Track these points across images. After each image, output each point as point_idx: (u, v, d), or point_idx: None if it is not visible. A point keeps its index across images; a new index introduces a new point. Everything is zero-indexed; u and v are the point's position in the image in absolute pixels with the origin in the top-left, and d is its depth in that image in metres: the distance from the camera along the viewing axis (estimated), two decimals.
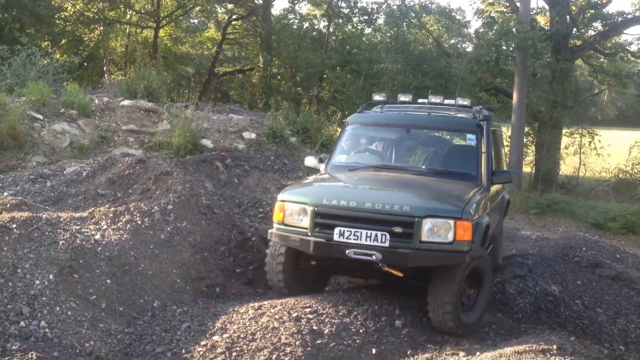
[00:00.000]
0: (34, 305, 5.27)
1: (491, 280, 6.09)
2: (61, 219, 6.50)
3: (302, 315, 5.53)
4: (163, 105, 13.98)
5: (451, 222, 5.46)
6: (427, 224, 5.46)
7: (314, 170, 7.62)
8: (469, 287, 5.94)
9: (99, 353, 5.02)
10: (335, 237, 5.57)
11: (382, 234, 5.47)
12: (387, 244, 5.45)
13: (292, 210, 5.87)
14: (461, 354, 5.22)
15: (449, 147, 7.25)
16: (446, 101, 7.51)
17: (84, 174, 8.85)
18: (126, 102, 13.63)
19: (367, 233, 5.50)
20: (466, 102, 7.37)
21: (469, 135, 6.93)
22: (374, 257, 5.45)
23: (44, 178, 8.82)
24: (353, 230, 5.53)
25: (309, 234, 5.71)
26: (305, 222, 5.74)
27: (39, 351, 4.75)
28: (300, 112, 17.33)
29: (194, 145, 12.24)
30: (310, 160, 7.34)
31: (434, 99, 7.47)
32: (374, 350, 5.26)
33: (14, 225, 6.03)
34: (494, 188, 6.71)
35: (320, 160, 7.15)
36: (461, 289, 5.69)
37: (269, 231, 6.13)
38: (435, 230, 5.47)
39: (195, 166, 10.12)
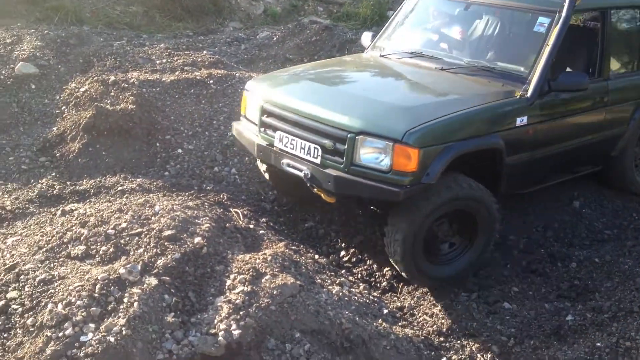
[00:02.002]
0: (226, 154, 5.86)
1: (492, 233, 4.64)
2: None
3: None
4: None
5: (389, 144, 4.13)
6: (361, 143, 4.21)
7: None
8: (455, 235, 4.66)
9: (280, 201, 5.49)
10: (276, 143, 4.64)
11: (315, 147, 4.38)
12: (318, 161, 4.37)
13: (250, 102, 5.01)
14: None
15: (512, 34, 5.50)
16: None
17: (275, 39, 9.27)
18: None
19: (302, 144, 4.47)
20: None
21: (540, 19, 5.02)
22: (303, 174, 4.42)
23: (239, 41, 9.36)
24: (291, 137, 4.54)
25: (257, 133, 4.85)
26: (257, 119, 4.86)
27: (229, 193, 5.32)
28: None
29: (380, 17, 12.24)
30: (366, 38, 5.91)
31: None
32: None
33: (211, 81, 6.62)
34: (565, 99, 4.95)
35: (373, 38, 5.85)
36: (426, 233, 4.39)
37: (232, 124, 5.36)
38: (371, 153, 4.22)
39: None
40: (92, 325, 3.11)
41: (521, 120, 4.63)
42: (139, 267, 3.47)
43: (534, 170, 4.98)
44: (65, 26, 8.84)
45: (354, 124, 4.27)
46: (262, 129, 4.76)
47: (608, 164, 5.75)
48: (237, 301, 3.39)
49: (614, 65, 5.69)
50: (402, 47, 5.49)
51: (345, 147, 4.22)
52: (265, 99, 4.80)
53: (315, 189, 4.54)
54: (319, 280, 3.94)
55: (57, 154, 5.68)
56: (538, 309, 4.41)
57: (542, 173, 5.16)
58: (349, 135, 4.22)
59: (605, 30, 5.31)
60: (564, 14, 4.82)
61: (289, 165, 4.51)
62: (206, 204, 4.55)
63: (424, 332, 4.05)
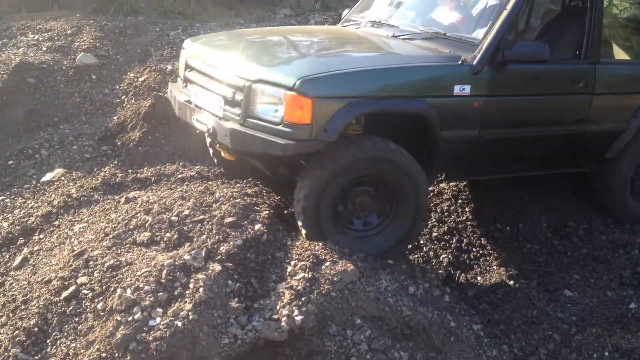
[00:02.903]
0: None
1: (420, 208, 4.13)
2: None
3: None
4: None
5: (281, 92, 3.77)
6: (256, 92, 3.86)
7: None
8: (373, 209, 4.15)
9: None
10: (192, 98, 4.40)
11: (219, 99, 4.09)
12: (220, 114, 4.07)
13: (181, 59, 4.77)
14: None
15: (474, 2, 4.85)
16: None
17: (326, 24, 9.28)
18: None
19: (209, 96, 4.19)
20: None
21: None
22: (206, 129, 4.12)
23: None
24: (202, 90, 4.30)
25: (181, 90, 4.62)
26: (182, 75, 4.67)
27: None
28: None
29: None
30: (346, 13, 5.66)
31: None
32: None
33: None
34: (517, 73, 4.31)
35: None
36: (337, 199, 4.00)
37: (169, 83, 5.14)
38: (266, 104, 3.87)
39: None
40: (159, 310, 3.20)
41: (461, 89, 4.11)
42: (203, 254, 3.55)
43: (485, 153, 4.40)
44: (122, 16, 9.03)
45: (252, 71, 3.96)
46: (184, 85, 4.56)
47: (599, 168, 5.03)
48: (299, 287, 3.43)
49: (611, 50, 5.23)
50: (367, 18, 5.14)
51: (243, 96, 3.90)
52: (191, 53, 4.59)
53: (217, 146, 4.29)
54: (378, 267, 3.96)
55: (118, 143, 5.83)
56: (600, 296, 4.36)
57: (496, 159, 4.55)
58: (246, 83, 3.89)
59: (595, 5, 4.63)
60: None
61: (197, 120, 4.23)
62: (264, 191, 4.61)
63: (484, 319, 4.04)
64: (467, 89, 4.12)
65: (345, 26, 5.23)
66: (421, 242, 4.93)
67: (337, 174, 3.87)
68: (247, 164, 4.69)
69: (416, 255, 4.83)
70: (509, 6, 4.23)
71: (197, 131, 4.42)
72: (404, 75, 4.05)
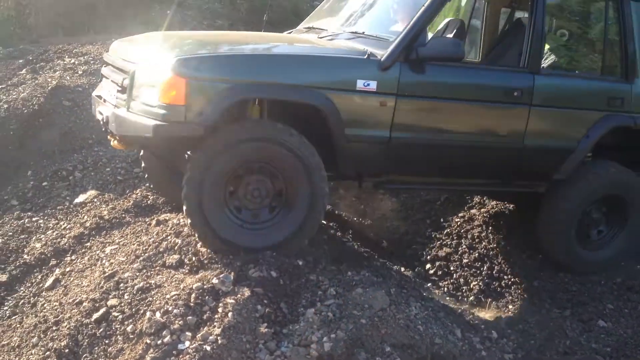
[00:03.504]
0: None
1: (314, 197, 3.78)
2: None
3: None
4: None
5: (158, 72, 3.59)
6: (137, 75, 3.69)
7: None
8: (278, 196, 3.86)
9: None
10: (101, 92, 4.26)
11: (114, 87, 3.93)
12: (114, 102, 3.90)
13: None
14: None
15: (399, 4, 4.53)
16: None
17: None
18: None
19: (110, 87, 4.03)
20: None
21: None
22: (101, 118, 3.97)
23: None
24: (107, 83, 4.15)
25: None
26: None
27: None
28: None
29: None
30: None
31: None
32: None
33: None
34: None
35: None
36: (225, 185, 3.74)
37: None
38: (146, 87, 3.65)
39: None
40: (188, 333, 3.21)
41: (365, 84, 3.83)
42: (232, 277, 3.55)
43: (398, 158, 4.07)
44: None
45: (138, 55, 3.87)
46: (100, 81, 4.48)
47: (547, 191, 4.56)
48: (328, 314, 3.42)
49: (559, 59, 4.88)
50: (306, 25, 4.94)
51: (129, 81, 3.73)
52: (110, 50, 4.46)
53: (109, 136, 4.08)
54: (407, 294, 3.92)
55: None
56: (635, 327, 4.27)
57: (413, 167, 4.21)
58: (131, 67, 3.76)
59: (536, 11, 4.29)
60: None
61: (100, 112, 4.04)
62: None
63: (515, 348, 3.97)
64: (373, 85, 3.85)
65: (290, 32, 5.01)
66: (451, 268, 4.88)
67: (218, 156, 3.64)
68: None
69: (446, 282, 4.78)
70: (427, 3, 3.99)
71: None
72: (298, 64, 3.83)
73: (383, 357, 3.31)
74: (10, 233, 4.43)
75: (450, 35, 4.86)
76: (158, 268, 3.80)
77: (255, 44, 4.30)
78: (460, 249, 5.11)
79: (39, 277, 4.09)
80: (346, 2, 4.94)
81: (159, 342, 3.17)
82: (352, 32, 4.28)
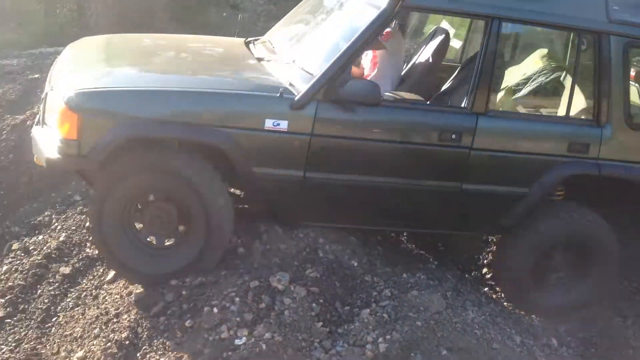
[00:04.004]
0: None
1: (212, 233, 3.69)
2: None
3: None
4: None
5: (57, 104, 3.54)
6: (46, 99, 3.74)
7: None
8: (179, 223, 3.80)
9: None
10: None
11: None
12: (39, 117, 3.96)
13: None
14: None
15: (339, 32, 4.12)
16: None
17: None
18: None
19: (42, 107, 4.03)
20: None
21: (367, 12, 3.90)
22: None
23: None
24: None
25: None
26: None
27: None
28: None
29: None
30: None
31: None
32: None
33: None
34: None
35: None
36: (128, 214, 3.72)
37: None
38: (52, 113, 3.65)
39: None
40: (245, 330, 3.24)
41: (275, 124, 3.62)
42: (288, 277, 3.57)
43: (316, 198, 3.87)
44: None
45: (55, 75, 3.82)
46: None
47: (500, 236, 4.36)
48: (384, 315, 3.41)
49: (514, 101, 4.49)
50: (267, 36, 4.67)
51: (42, 104, 3.77)
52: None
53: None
54: (464, 298, 3.87)
55: None
56: None
57: (334, 207, 3.95)
58: (46, 89, 3.80)
59: (486, 43, 3.86)
60: (383, 8, 3.73)
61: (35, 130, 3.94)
62: None
63: (576, 356, 3.88)
64: (284, 125, 3.63)
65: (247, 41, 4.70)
66: None
67: (116, 182, 3.59)
68: None
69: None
70: (349, 44, 3.72)
71: None
72: (198, 101, 3.64)
73: None
74: (74, 227, 4.53)
75: (432, 44, 4.72)
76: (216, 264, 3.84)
77: (173, 75, 3.99)
78: None
79: (101, 270, 4.17)
80: (301, 17, 4.64)
81: (217, 337, 3.21)
82: (289, 58, 4.03)
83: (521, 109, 4.48)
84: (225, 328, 3.24)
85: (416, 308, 3.47)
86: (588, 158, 4.04)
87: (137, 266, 3.75)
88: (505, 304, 4.27)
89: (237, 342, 3.18)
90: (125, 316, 3.58)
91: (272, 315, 3.31)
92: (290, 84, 3.73)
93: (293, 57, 4.00)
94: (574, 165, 4.04)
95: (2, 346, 3.75)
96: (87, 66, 3.93)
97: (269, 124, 3.61)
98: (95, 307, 3.79)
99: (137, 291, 3.72)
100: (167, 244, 3.83)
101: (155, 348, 3.32)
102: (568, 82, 4.24)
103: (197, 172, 3.59)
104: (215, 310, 3.36)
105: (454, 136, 3.83)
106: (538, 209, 4.07)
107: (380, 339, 3.27)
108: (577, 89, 4.11)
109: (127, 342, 3.39)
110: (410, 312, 3.45)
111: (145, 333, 3.42)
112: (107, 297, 3.88)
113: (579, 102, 4.17)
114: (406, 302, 3.52)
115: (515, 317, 3.87)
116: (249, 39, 4.70)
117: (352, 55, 3.73)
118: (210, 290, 3.55)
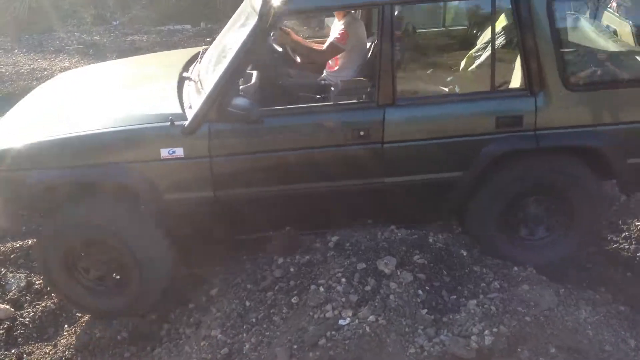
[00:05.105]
0: None
1: (143, 271, 3.83)
2: None
3: None
4: None
5: None
6: None
7: None
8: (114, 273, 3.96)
9: None
10: None
11: None
12: None
13: None
14: None
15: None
16: None
17: None
18: None
19: None
20: None
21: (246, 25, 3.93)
22: None
23: None
24: None
25: None
26: None
27: None
28: None
29: None
30: None
31: None
32: None
33: None
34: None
35: None
36: (64, 256, 3.87)
37: None
38: None
39: None
40: (349, 311, 3.27)
41: (170, 152, 3.59)
42: (395, 261, 3.56)
43: (235, 213, 3.81)
44: None
45: None
46: None
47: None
48: (491, 307, 3.33)
49: (424, 84, 4.12)
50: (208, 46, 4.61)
51: None
52: None
53: None
54: (578, 296, 3.71)
55: None
56: None
57: (258, 219, 3.86)
58: None
59: (381, 28, 3.60)
60: (255, 18, 3.64)
61: None
62: None
63: None
64: (179, 152, 3.60)
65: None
66: (628, 274, 4.53)
67: (56, 233, 3.80)
68: None
69: None
70: (233, 54, 3.65)
71: None
72: (95, 143, 3.66)
73: (546, 358, 3.17)
74: None
75: None
76: None
77: (74, 117, 3.95)
78: (639, 255, 4.74)
79: None
80: (225, 31, 4.46)
81: (321, 315, 3.26)
82: (197, 77, 4.01)
83: (445, 91, 4.15)
84: (330, 307, 3.28)
85: (526, 303, 3.36)
86: (524, 131, 3.72)
87: (84, 302, 3.95)
88: (622, 308, 4.07)
89: (341, 322, 3.21)
90: (234, 288, 3.71)
91: (377, 299, 3.32)
92: (190, 107, 3.72)
93: (199, 76, 3.99)
94: (505, 142, 3.72)
95: None
96: (7, 119, 4.23)
97: (164, 153, 3.60)
98: None
99: (248, 266, 3.85)
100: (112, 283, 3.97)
101: (260, 321, 3.41)
102: (488, 53, 3.87)
103: (119, 219, 3.73)
104: (321, 289, 3.41)
105: (362, 133, 3.66)
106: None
107: (486, 331, 3.19)
108: (500, 60, 3.79)
109: (234, 314, 3.51)
110: (520, 306, 3.35)
111: (253, 306, 3.53)
112: None
113: (505, 73, 3.86)
114: (516, 296, 3.42)
115: (631, 320, 3.65)
116: (205, 49, 4.59)
117: (233, 73, 3.64)
118: (317, 269, 3.61)
